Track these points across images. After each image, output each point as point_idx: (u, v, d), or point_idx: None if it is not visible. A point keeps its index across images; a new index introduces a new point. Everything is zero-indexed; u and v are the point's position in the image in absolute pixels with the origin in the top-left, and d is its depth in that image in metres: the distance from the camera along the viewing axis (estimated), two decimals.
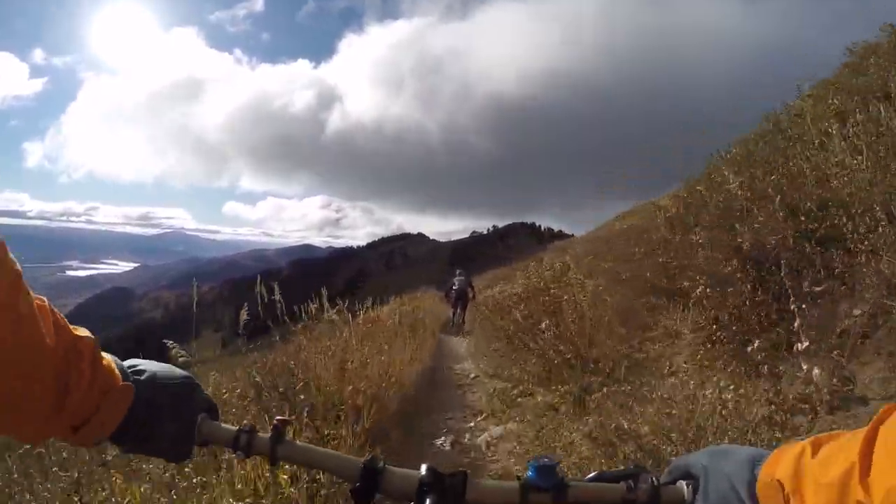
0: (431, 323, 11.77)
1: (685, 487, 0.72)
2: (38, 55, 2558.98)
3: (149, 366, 0.75)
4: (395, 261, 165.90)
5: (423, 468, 0.70)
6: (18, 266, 0.58)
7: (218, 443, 0.77)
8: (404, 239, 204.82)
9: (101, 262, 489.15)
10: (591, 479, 0.74)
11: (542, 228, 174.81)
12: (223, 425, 0.78)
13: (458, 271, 14.98)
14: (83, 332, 0.66)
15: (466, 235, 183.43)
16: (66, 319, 0.64)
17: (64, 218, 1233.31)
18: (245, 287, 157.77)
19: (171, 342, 3.91)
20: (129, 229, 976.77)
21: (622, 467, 0.76)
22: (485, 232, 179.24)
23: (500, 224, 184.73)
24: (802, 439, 0.63)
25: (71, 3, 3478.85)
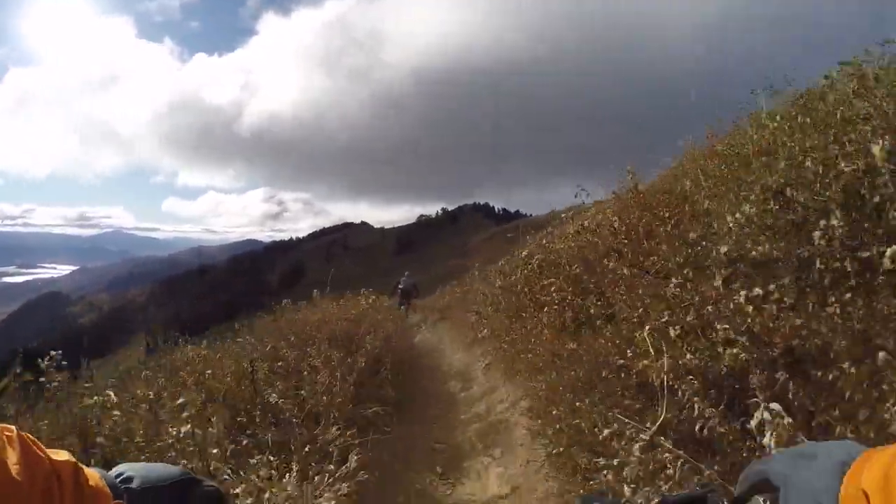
0: None
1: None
2: None
3: (138, 470, 0.68)
4: (336, 252, 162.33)
5: None
6: None
7: None
8: (346, 229, 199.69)
9: (40, 266, 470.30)
10: None
11: (497, 209, 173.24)
12: None
13: (406, 273, 17.70)
14: (62, 455, 0.59)
15: (413, 221, 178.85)
16: (41, 445, 0.57)
17: None
18: (178, 287, 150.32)
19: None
20: (67, 230, 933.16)
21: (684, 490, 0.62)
22: (433, 216, 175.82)
23: (450, 207, 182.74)
24: None
25: None
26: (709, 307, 2.79)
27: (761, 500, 0.65)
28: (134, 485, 0.66)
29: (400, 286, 16.81)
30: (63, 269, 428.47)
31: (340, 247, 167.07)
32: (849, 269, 2.26)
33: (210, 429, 3.33)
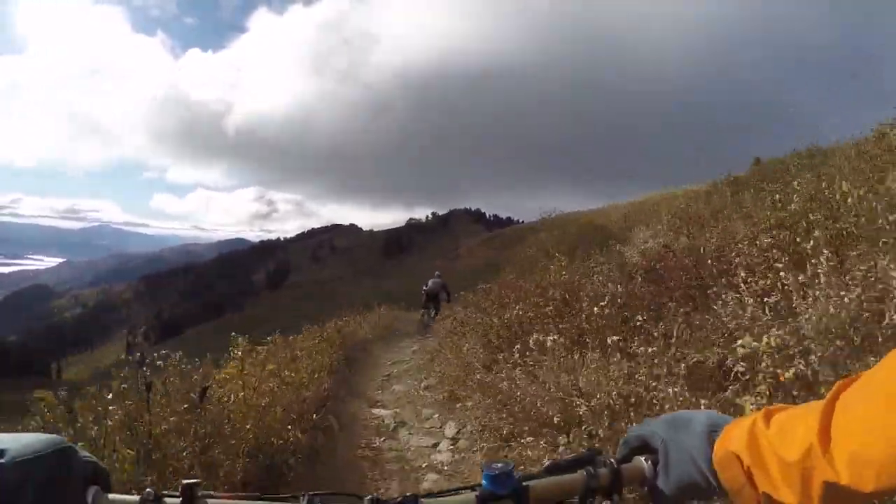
0: None
1: (644, 463, 0.73)
2: None
3: (9, 442, 0.60)
4: (323, 253, 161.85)
5: (366, 501, 0.66)
6: None
7: None
8: (334, 230, 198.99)
9: (26, 257, 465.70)
10: (547, 471, 0.72)
11: (488, 215, 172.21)
12: (118, 496, 0.66)
13: (436, 273, 15.46)
14: None
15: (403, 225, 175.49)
16: None
17: None
18: (164, 284, 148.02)
19: None
20: (55, 223, 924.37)
21: (572, 454, 0.74)
22: (423, 220, 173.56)
23: (441, 211, 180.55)
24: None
25: None
26: None
27: (643, 459, 0.73)
28: (6, 459, 0.59)
29: (425, 288, 14.89)
30: (49, 262, 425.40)
31: (328, 248, 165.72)
32: None
33: None
